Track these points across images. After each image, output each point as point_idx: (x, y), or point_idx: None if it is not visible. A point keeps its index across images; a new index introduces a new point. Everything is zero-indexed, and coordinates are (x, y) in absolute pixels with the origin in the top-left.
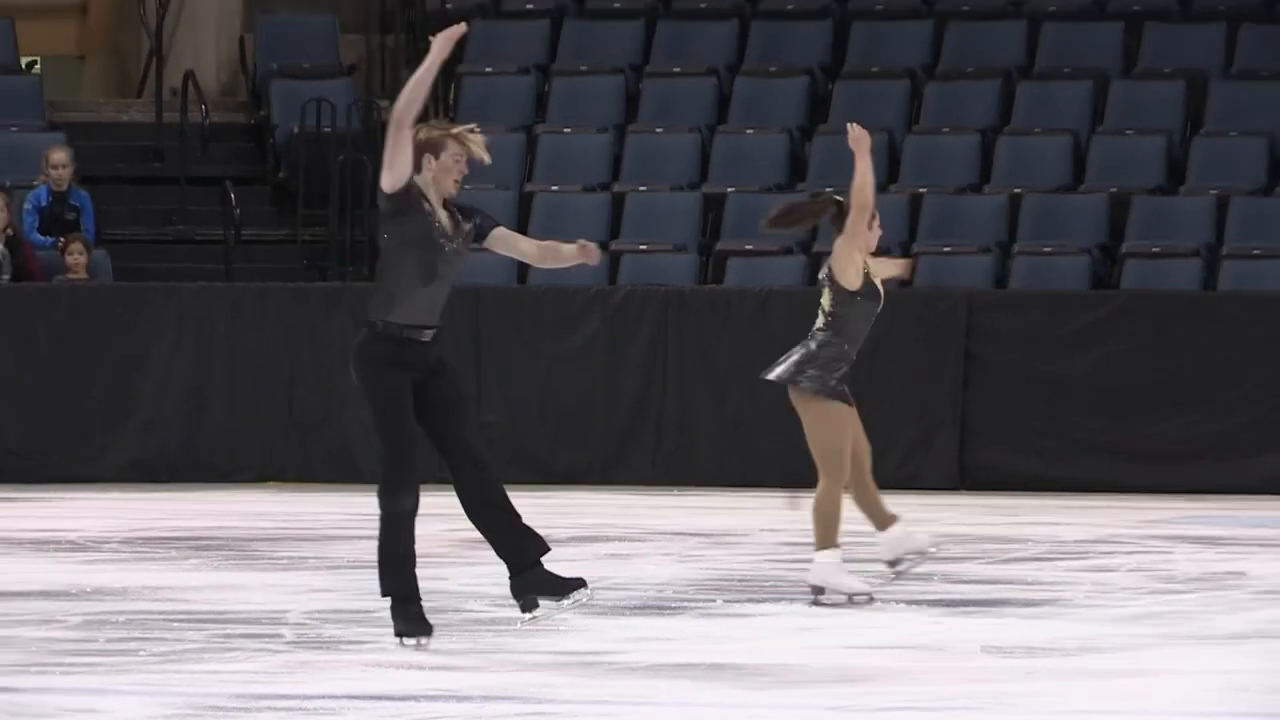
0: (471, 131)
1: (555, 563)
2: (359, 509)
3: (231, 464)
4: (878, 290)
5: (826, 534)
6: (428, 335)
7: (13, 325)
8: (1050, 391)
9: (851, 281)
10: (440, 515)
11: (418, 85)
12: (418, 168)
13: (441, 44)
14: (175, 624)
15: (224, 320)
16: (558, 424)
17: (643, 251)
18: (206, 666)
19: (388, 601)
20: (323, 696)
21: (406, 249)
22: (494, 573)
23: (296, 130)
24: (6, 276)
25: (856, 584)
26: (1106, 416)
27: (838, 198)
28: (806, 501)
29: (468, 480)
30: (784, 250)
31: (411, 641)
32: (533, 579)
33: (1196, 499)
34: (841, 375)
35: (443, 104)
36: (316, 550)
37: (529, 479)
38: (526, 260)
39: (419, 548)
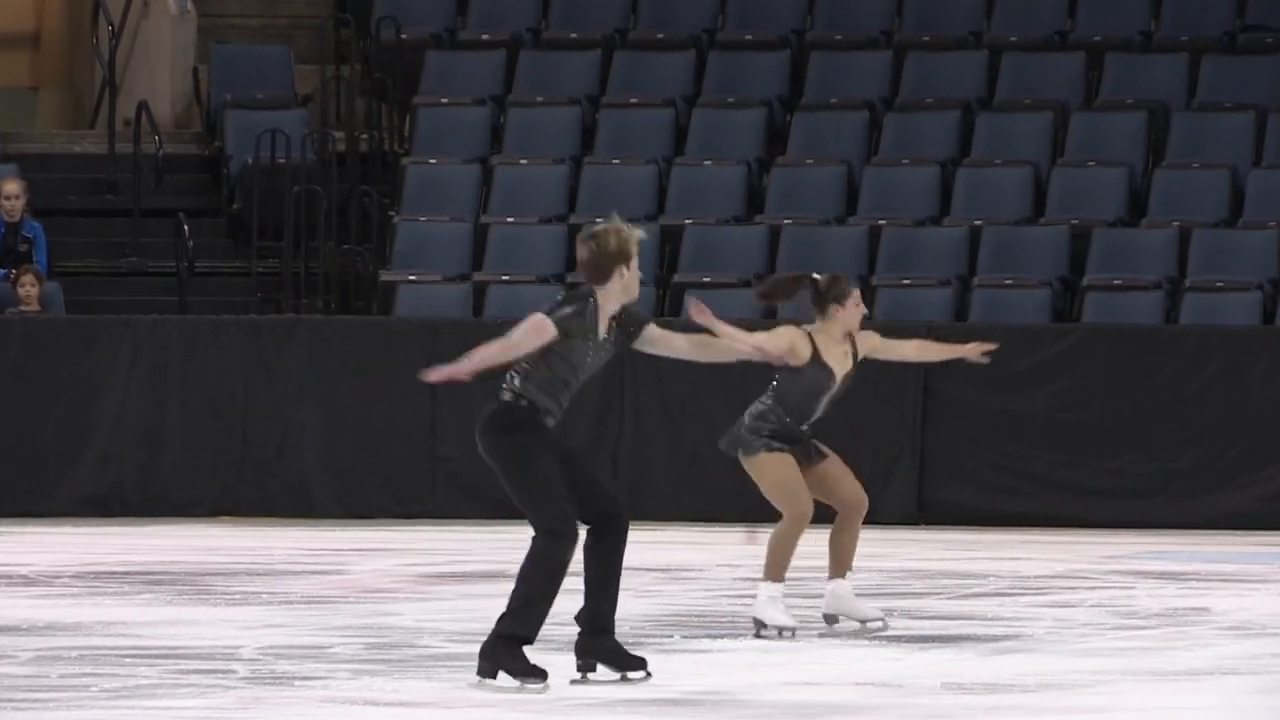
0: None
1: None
2: (313, 543)
3: (186, 498)
4: (828, 368)
5: (771, 567)
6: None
7: None
8: (1010, 426)
9: (798, 357)
10: (393, 550)
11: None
12: (607, 277)
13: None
14: (128, 659)
15: (178, 353)
16: None
17: None
18: (160, 702)
19: (501, 631)
20: None
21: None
22: (448, 608)
23: (251, 161)
24: None
25: (783, 618)
26: (1066, 451)
27: (815, 276)
28: (763, 536)
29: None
30: (742, 283)
31: (536, 685)
32: (601, 645)
33: (1157, 534)
34: (772, 432)
35: (398, 134)
36: (270, 585)
37: (486, 513)
38: (680, 356)
39: (379, 582)
